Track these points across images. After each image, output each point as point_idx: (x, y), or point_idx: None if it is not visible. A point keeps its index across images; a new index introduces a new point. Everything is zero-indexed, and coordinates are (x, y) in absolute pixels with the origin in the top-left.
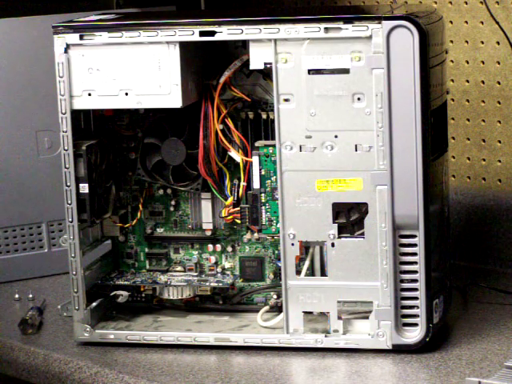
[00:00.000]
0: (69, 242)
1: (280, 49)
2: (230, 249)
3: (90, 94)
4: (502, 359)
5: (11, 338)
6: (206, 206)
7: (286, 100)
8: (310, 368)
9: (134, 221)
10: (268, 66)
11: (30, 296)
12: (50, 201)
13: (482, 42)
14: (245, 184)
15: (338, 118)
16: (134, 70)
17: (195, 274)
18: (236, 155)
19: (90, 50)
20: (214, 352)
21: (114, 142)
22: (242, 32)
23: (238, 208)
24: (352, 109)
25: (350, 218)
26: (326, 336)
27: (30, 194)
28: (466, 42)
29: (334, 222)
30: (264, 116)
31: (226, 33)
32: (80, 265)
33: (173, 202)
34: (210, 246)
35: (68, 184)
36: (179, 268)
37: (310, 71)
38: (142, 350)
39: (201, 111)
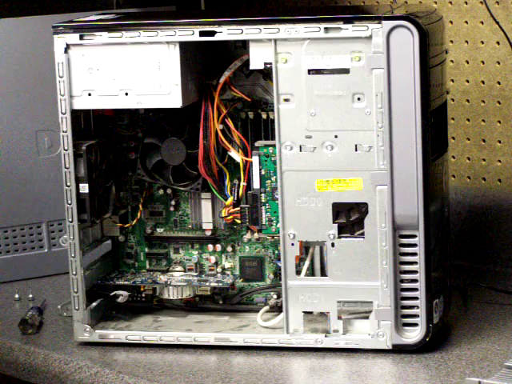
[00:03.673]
0: (69, 242)
1: (280, 49)
2: (229, 249)
3: (90, 94)
4: (502, 359)
5: (11, 338)
6: (206, 206)
7: (286, 100)
8: (310, 368)
9: (134, 221)
10: (268, 65)
11: (30, 296)
12: (50, 201)
13: (482, 42)
14: (245, 184)
15: (338, 118)
16: (134, 70)
17: (195, 274)
18: (236, 155)
19: (90, 50)
20: (214, 352)
21: (114, 142)
22: (242, 32)
23: (238, 208)
24: (352, 109)
25: (350, 217)
26: (326, 336)
27: (30, 194)
28: (466, 42)
29: (334, 222)
30: (264, 116)
31: (225, 33)
32: (80, 265)
33: (173, 202)
34: (210, 246)
35: (68, 184)
36: (179, 268)
37: (310, 71)
38: (142, 349)
39: (201, 111)
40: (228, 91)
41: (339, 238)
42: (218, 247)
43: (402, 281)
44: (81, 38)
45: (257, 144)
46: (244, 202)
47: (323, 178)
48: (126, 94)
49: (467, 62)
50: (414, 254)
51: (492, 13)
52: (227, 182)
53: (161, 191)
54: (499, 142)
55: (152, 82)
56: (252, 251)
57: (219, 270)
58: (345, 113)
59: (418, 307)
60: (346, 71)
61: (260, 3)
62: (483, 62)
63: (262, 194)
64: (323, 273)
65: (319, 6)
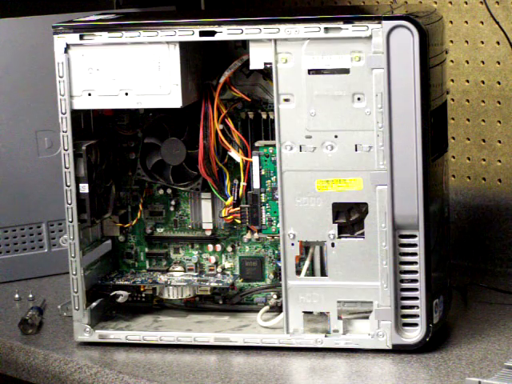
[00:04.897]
0: (69, 242)
1: (280, 49)
2: (229, 249)
3: (90, 94)
4: (502, 359)
5: (11, 338)
6: (206, 206)
7: (286, 100)
8: (310, 368)
9: (134, 221)
10: (268, 65)
11: (30, 296)
12: (50, 201)
13: (482, 42)
14: (245, 184)
15: (338, 118)
16: (134, 70)
17: (195, 274)
18: (236, 155)
19: (90, 50)
20: (214, 352)
21: (114, 142)
22: (242, 32)
23: (238, 208)
24: (352, 109)
25: (350, 218)
26: (326, 336)
27: (30, 194)
28: (466, 42)
29: (334, 222)
30: (264, 116)
31: (225, 33)
32: (80, 265)
33: (173, 202)
34: (210, 246)
35: (68, 184)
36: (179, 268)
37: (310, 71)
38: (142, 349)
39: (201, 111)
40: (228, 91)
41: (339, 237)
42: (218, 247)
43: (402, 281)
44: (81, 38)
45: (257, 144)
46: (244, 202)
47: (323, 178)
48: (126, 94)
49: (467, 62)
50: (414, 254)
51: (492, 13)
52: (227, 182)
53: (161, 191)
54: (499, 142)
55: (152, 82)
56: (252, 251)
57: (219, 269)
58: (345, 113)
59: (417, 307)
60: (346, 71)
61: (260, 3)
62: (483, 62)
63: (262, 194)
64: (323, 273)
65: (319, 6)
